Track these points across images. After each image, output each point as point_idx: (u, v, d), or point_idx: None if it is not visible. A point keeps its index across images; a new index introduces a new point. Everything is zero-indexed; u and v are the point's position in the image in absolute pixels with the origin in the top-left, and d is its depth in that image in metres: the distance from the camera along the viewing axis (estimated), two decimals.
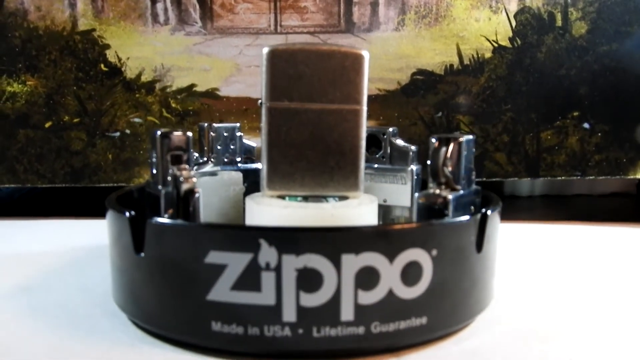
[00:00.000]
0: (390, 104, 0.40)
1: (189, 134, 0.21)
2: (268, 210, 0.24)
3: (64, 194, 0.41)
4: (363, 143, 0.25)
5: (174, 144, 0.20)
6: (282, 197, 0.26)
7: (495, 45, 0.39)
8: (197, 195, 0.19)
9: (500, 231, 0.23)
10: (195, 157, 0.29)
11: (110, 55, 0.39)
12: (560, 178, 0.40)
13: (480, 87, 0.40)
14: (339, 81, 0.25)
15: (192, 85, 0.40)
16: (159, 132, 0.20)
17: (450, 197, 0.20)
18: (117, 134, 0.40)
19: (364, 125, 0.25)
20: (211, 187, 0.29)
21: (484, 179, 0.40)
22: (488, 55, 0.39)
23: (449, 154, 0.21)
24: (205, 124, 0.29)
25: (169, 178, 0.19)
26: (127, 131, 0.40)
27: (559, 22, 0.39)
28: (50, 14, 0.39)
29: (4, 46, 0.39)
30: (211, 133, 0.29)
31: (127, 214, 0.20)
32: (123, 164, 0.40)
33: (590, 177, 0.40)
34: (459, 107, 0.40)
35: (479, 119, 0.40)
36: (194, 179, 0.19)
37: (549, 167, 0.40)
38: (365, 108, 0.25)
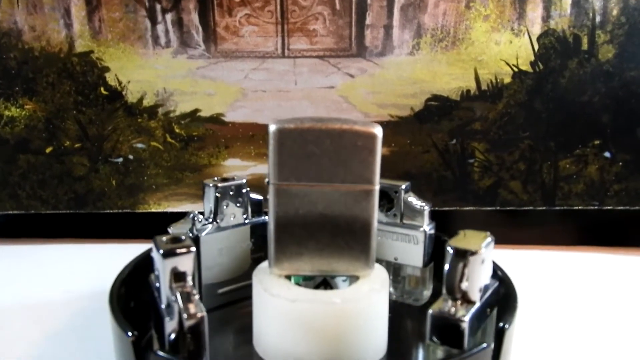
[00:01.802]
0: (402, 130, 0.38)
1: (193, 248, 0.20)
2: (275, 303, 0.23)
3: (68, 220, 0.40)
4: (375, 223, 0.24)
5: (178, 265, 0.19)
6: (289, 277, 0.25)
7: (516, 69, 0.37)
8: (202, 332, 0.18)
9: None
10: (200, 220, 0.28)
11: (110, 79, 0.38)
12: (576, 207, 0.39)
13: (498, 114, 0.38)
14: (350, 161, 0.23)
15: (196, 110, 0.38)
16: (161, 250, 0.19)
17: (466, 318, 0.19)
18: (120, 159, 0.39)
19: (376, 205, 0.24)
20: (218, 247, 0.29)
21: (498, 207, 0.39)
22: (507, 80, 0.37)
23: (466, 271, 0.20)
24: (211, 184, 0.28)
25: (173, 305, 0.19)
26: (130, 157, 0.39)
27: (585, 46, 0.37)
28: (46, 35, 0.37)
29: (0, 68, 0.38)
30: (216, 194, 0.28)
31: (130, 334, 0.19)
32: (127, 190, 0.39)
33: (608, 207, 0.39)
34: (475, 134, 0.38)
35: (495, 146, 0.38)
36: (199, 314, 0.18)
37: (566, 196, 0.39)
38: (377, 187, 0.24)
